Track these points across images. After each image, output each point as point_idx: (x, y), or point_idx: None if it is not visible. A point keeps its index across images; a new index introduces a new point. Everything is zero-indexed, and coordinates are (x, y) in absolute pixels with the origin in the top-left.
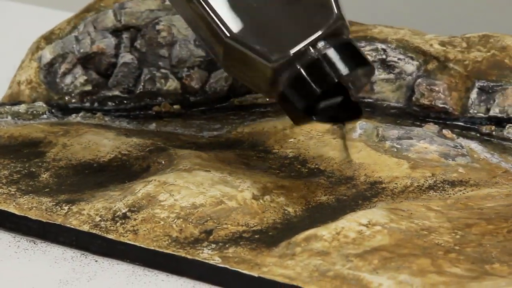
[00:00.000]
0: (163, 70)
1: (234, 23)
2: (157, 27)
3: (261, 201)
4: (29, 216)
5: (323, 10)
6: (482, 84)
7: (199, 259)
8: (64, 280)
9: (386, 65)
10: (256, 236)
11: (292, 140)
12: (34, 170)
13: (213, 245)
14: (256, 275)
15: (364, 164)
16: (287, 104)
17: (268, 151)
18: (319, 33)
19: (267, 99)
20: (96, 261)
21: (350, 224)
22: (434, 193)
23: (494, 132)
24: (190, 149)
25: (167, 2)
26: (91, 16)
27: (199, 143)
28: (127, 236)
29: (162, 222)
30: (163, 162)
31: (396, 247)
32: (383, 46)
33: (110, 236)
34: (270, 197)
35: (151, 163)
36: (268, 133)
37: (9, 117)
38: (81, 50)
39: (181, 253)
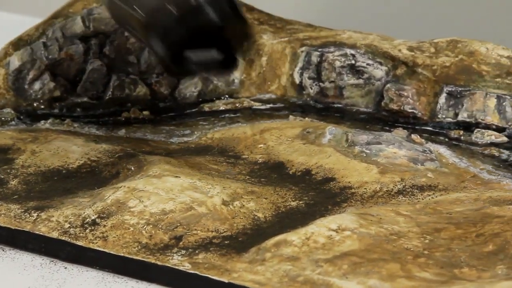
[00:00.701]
0: (132, 76)
1: None
2: (126, 33)
3: (231, 206)
4: None
5: None
6: (450, 89)
7: (169, 265)
8: (33, 287)
9: (355, 71)
10: (226, 242)
11: (261, 145)
12: (2, 177)
13: (183, 251)
14: (226, 281)
15: (333, 169)
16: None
17: (238, 156)
18: None
19: (237, 105)
20: (66, 268)
21: (320, 229)
22: (403, 198)
23: (462, 137)
24: (160, 155)
25: None
26: (60, 22)
27: (168, 149)
28: (96, 242)
29: (131, 229)
30: (132, 168)
31: (365, 252)
32: (352, 52)
33: (79, 243)
34: (240, 203)
35: (121, 169)
36: (238, 139)
37: None
38: (50, 57)
39: (151, 260)
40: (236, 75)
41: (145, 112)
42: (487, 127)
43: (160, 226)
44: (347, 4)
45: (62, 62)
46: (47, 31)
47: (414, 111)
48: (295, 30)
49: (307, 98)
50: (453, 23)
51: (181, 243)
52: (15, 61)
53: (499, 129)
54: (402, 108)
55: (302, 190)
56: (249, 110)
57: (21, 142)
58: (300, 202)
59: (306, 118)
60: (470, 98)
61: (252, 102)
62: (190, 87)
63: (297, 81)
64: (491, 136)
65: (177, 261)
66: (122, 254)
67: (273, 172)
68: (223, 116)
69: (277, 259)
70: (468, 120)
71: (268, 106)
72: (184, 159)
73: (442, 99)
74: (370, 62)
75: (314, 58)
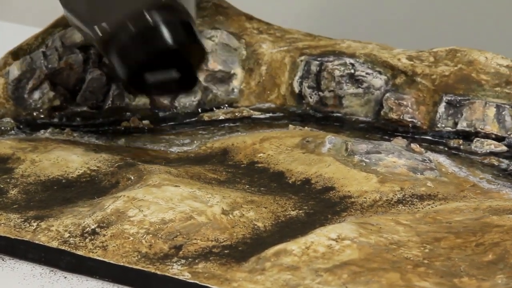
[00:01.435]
0: None
1: None
2: None
3: (230, 216)
4: None
5: None
6: (449, 98)
7: (168, 274)
8: None
9: (355, 80)
10: (225, 251)
11: (261, 155)
12: (2, 186)
13: (183, 261)
14: None
15: (333, 178)
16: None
17: (238, 166)
18: (144, 4)
19: (236, 114)
20: (65, 277)
21: (320, 238)
22: (403, 207)
23: (462, 146)
24: (160, 164)
25: None
26: (59, 31)
27: (168, 158)
28: (96, 252)
29: (131, 238)
30: (132, 178)
31: (365, 262)
32: (351, 61)
33: (79, 253)
34: (239, 212)
35: (120, 178)
36: (238, 148)
37: None
38: (49, 66)
39: (151, 269)
40: (236, 85)
41: (145, 122)
42: (487, 136)
43: (159, 236)
44: (345, 13)
45: (61, 71)
46: (47, 41)
47: (414, 120)
48: (294, 39)
49: (307, 107)
50: (452, 31)
51: (181, 252)
52: (14, 71)
53: (499, 139)
54: (401, 117)
55: (301, 199)
56: (248, 119)
57: (20, 152)
58: (300, 212)
59: (306, 127)
60: (470, 108)
61: (252, 111)
62: (190, 97)
63: (297, 90)
64: (491, 146)
65: (177, 270)
66: (122, 264)
67: (273, 181)
68: (222, 125)
69: (277, 268)
70: (467, 129)
71: (268, 115)
72: (184, 169)
73: (441, 108)
74: (370, 71)
75: (314, 67)
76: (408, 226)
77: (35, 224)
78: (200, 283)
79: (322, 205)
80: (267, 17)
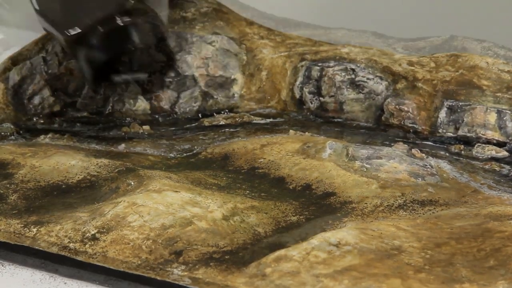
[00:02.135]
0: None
1: None
2: None
3: (231, 221)
4: None
5: None
6: (450, 104)
7: (169, 280)
8: None
9: (355, 85)
10: (226, 257)
11: (262, 160)
12: (2, 191)
13: (183, 266)
14: None
15: (334, 184)
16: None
17: (238, 171)
18: (112, 9)
19: (237, 120)
20: (65, 283)
21: (320, 244)
22: (404, 212)
23: (463, 152)
24: (160, 169)
25: None
26: None
27: (168, 163)
28: (96, 257)
29: (131, 244)
30: (132, 183)
31: (366, 267)
32: (352, 66)
33: (79, 258)
34: (240, 218)
35: (120, 184)
36: (238, 153)
37: None
38: (49, 71)
39: (151, 275)
40: (236, 90)
41: (145, 127)
42: (488, 142)
43: (160, 241)
44: (342, 3)
45: (61, 76)
46: (47, 46)
47: (415, 125)
48: (295, 44)
49: (307, 112)
50: (450, 21)
51: (181, 258)
52: (14, 76)
53: (500, 144)
54: (402, 122)
55: (302, 205)
56: (249, 124)
57: (20, 157)
58: (301, 217)
59: (306, 133)
60: (471, 113)
61: (252, 116)
62: (190, 102)
63: (297, 95)
64: (492, 151)
65: (177, 276)
66: (122, 269)
67: (273, 187)
68: (223, 130)
69: (277, 274)
70: (468, 134)
71: (268, 120)
72: (184, 174)
73: (442, 113)
74: (370, 76)
75: (314, 73)
76: (409, 231)
77: (35, 229)
78: None
79: (322, 210)
80: (263, 7)
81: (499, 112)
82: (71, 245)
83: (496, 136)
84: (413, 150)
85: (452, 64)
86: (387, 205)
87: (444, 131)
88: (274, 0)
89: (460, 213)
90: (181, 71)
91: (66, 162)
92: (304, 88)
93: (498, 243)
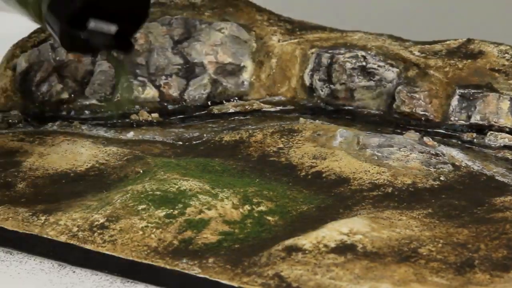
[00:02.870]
0: (140, 78)
1: None
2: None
3: (241, 210)
4: (5, 227)
5: None
6: (463, 91)
7: (178, 269)
8: None
9: (366, 72)
10: (236, 246)
11: (271, 148)
12: (10, 180)
13: (193, 255)
14: (236, 285)
15: (344, 172)
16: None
17: (248, 159)
18: None
19: (246, 107)
20: (74, 272)
21: (331, 233)
22: (415, 201)
23: (475, 140)
24: (169, 157)
25: None
26: None
27: (177, 151)
28: (105, 246)
29: (140, 232)
30: (141, 171)
31: (377, 256)
32: (363, 53)
33: (87, 247)
34: (250, 206)
35: (129, 172)
36: (248, 142)
37: None
38: (57, 58)
39: (160, 263)
40: (246, 77)
41: (154, 115)
42: (500, 129)
43: (169, 230)
44: (356, 5)
45: (69, 63)
46: None
47: (426, 113)
48: (305, 31)
49: (318, 100)
50: (465, 23)
51: (190, 246)
52: (22, 63)
53: None
54: (414, 110)
55: (313, 193)
56: (258, 112)
57: (28, 145)
58: (311, 206)
59: (317, 121)
60: (483, 101)
61: (262, 104)
62: (199, 89)
63: (308, 83)
64: (505, 139)
65: (186, 265)
66: (131, 258)
67: (284, 175)
68: (232, 118)
69: (288, 263)
70: (481, 122)
71: (278, 108)
72: (193, 162)
73: (454, 101)
74: (381, 64)
75: (325, 60)
76: (420, 220)
77: (43, 218)
78: (210, 278)
79: (333, 199)
80: (280, 10)
81: None
82: (80, 234)
83: (508, 123)
84: (425, 138)
85: (465, 51)
86: (398, 194)
87: (456, 119)
88: (290, 2)
89: (472, 201)
90: (190, 58)
91: (75, 150)
92: (314, 76)
93: (511, 232)
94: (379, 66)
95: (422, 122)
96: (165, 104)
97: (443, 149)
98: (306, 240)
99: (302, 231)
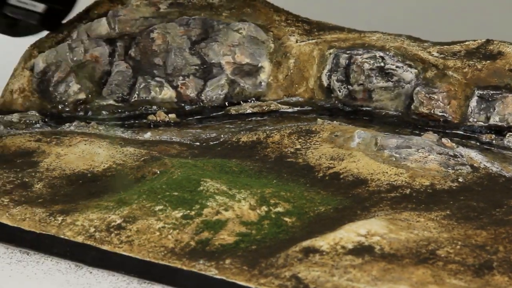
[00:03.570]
0: (158, 79)
1: None
2: (152, 35)
3: (258, 211)
4: (22, 227)
5: None
6: (481, 92)
7: (195, 270)
8: None
9: (385, 73)
10: (253, 247)
11: (289, 149)
12: (27, 180)
13: (210, 256)
14: (253, 286)
15: (362, 173)
16: None
17: (265, 160)
18: None
19: (264, 108)
20: (91, 272)
21: (349, 234)
22: (434, 202)
23: (494, 141)
24: (186, 158)
25: (162, 10)
26: (85, 24)
27: (194, 152)
28: (122, 247)
29: (157, 233)
30: (158, 172)
31: (395, 258)
32: (381, 54)
33: (104, 247)
34: (267, 207)
35: (146, 172)
36: (265, 142)
37: (2, 127)
38: (75, 59)
39: (177, 264)
40: (263, 78)
41: (171, 115)
42: None
43: (186, 231)
44: (375, 5)
45: (87, 64)
46: (72, 33)
47: (445, 114)
48: (323, 32)
49: (335, 101)
50: (485, 24)
51: (207, 247)
52: (39, 63)
53: None
54: (432, 111)
55: (330, 195)
56: (276, 113)
57: (46, 145)
58: (329, 207)
59: (335, 122)
60: (502, 102)
61: (280, 105)
62: (217, 90)
63: (325, 83)
64: None
65: (203, 266)
66: (148, 259)
67: (301, 176)
68: (250, 119)
69: (305, 265)
70: (500, 124)
71: (296, 109)
72: (211, 163)
73: (473, 102)
74: (400, 64)
75: (343, 61)
76: (438, 222)
77: (60, 218)
78: (227, 279)
79: (351, 200)
80: (298, 10)
81: None
82: (97, 234)
83: None
84: (443, 140)
85: (484, 52)
86: (416, 195)
87: (475, 120)
88: (308, 3)
89: (491, 203)
90: (208, 59)
91: (92, 151)
92: (332, 76)
93: None
94: (397, 67)
95: (440, 123)
96: (183, 104)
97: (462, 150)
98: (323, 242)
99: (320, 232)
